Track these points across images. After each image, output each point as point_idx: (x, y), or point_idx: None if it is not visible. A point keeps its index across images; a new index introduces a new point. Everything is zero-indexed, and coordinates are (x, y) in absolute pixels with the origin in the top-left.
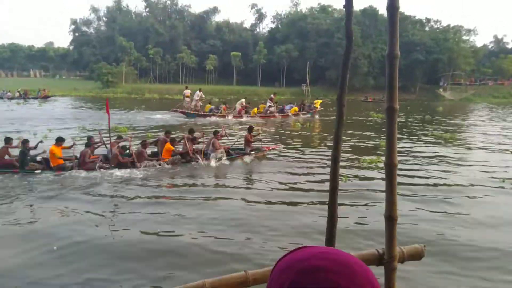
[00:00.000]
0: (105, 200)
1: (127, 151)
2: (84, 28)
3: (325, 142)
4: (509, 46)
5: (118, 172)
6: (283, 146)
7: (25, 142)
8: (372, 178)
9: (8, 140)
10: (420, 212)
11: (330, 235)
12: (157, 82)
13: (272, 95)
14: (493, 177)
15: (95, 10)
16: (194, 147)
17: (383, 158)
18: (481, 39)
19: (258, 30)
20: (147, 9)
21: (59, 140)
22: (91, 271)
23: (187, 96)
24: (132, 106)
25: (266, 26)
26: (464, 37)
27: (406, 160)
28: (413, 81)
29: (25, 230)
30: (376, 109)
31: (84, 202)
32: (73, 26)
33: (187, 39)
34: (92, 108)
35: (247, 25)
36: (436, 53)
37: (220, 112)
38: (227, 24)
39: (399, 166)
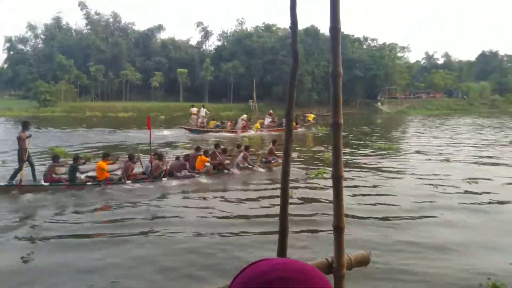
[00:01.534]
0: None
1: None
2: (20, 46)
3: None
4: (439, 62)
5: (165, 182)
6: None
7: (76, 158)
8: (319, 190)
9: (55, 158)
10: (366, 220)
11: (282, 246)
12: (99, 100)
13: (270, 111)
14: (430, 184)
15: (32, 27)
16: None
17: (329, 169)
18: (414, 56)
19: (204, 47)
20: (88, 27)
21: (106, 156)
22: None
23: (194, 114)
24: (70, 125)
25: (212, 43)
26: (399, 54)
27: (350, 171)
28: (354, 96)
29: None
30: (320, 123)
31: (146, 207)
32: (7, 44)
33: (131, 56)
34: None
35: (193, 42)
36: (374, 69)
37: (225, 128)
38: (172, 41)
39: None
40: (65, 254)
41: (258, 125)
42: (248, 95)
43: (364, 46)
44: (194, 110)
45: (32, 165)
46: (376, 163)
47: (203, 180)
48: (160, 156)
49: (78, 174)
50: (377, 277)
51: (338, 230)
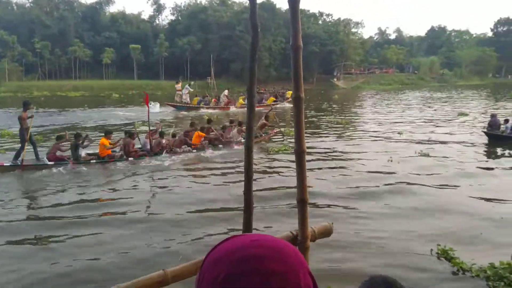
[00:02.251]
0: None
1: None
2: None
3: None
4: (391, 37)
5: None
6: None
7: (76, 136)
8: (282, 165)
9: (59, 138)
10: (329, 191)
11: (247, 222)
12: (46, 79)
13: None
14: (385, 157)
15: None
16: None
17: (291, 145)
18: (368, 31)
19: (157, 22)
20: (30, 0)
21: (108, 133)
22: None
23: (179, 90)
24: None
25: (166, 18)
26: (353, 30)
27: (313, 147)
28: (310, 72)
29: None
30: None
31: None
32: None
33: (79, 31)
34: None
35: (145, 16)
36: (329, 45)
37: (208, 104)
38: (123, 15)
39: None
40: (68, 230)
41: (241, 101)
42: (205, 72)
43: (320, 22)
44: (178, 86)
45: (34, 145)
46: (335, 138)
47: (203, 154)
48: (161, 134)
49: (80, 151)
50: (337, 246)
51: (302, 203)
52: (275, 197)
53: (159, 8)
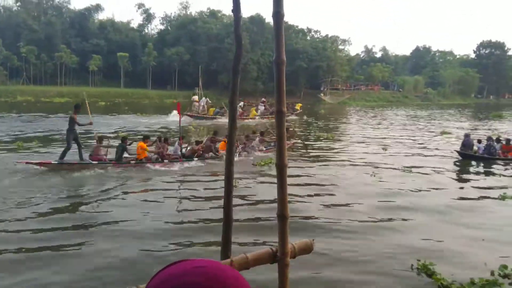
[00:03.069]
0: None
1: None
2: None
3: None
4: (377, 56)
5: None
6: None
7: (124, 139)
8: (266, 179)
9: (100, 139)
10: (311, 207)
11: (226, 236)
12: (31, 84)
13: (263, 99)
14: (368, 172)
15: None
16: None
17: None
18: (354, 49)
19: (146, 31)
20: (18, 3)
21: (146, 138)
22: None
23: (196, 101)
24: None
25: (155, 27)
26: (340, 47)
27: (296, 160)
28: (298, 87)
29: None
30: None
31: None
32: None
33: (66, 37)
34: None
35: (134, 25)
36: (317, 60)
37: (224, 115)
38: (111, 22)
39: (291, 166)
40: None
41: (254, 112)
42: (193, 83)
43: (308, 38)
44: (195, 97)
45: (79, 146)
46: (320, 152)
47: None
48: (198, 142)
49: (125, 154)
50: (318, 263)
51: (282, 218)
52: (258, 210)
53: (148, 17)
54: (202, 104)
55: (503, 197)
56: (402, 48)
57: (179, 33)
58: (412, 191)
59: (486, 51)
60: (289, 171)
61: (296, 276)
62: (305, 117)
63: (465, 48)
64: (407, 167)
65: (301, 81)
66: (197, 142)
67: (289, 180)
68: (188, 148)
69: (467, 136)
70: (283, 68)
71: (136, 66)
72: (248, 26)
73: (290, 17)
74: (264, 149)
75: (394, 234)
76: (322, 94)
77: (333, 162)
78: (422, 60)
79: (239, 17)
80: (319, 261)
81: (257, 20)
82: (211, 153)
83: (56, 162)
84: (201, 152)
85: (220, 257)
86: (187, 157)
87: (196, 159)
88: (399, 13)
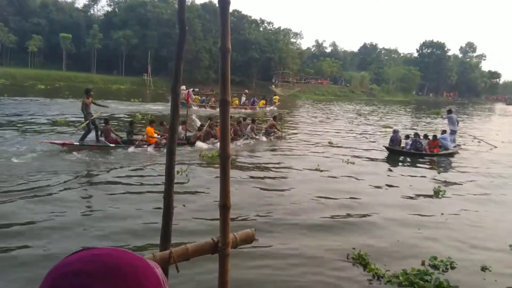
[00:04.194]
0: None
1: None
2: None
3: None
4: (327, 51)
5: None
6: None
7: (131, 123)
8: (210, 170)
9: (106, 121)
10: (254, 199)
11: (166, 227)
12: None
13: (246, 90)
14: (313, 166)
15: None
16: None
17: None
18: (306, 43)
19: (92, 12)
20: None
21: (152, 122)
22: None
23: (184, 91)
24: None
25: (101, 8)
26: (292, 40)
27: (243, 151)
28: (250, 77)
29: None
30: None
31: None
32: None
33: (3, 15)
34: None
35: (79, 5)
36: (269, 52)
37: (209, 103)
38: (54, 1)
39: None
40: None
41: (236, 102)
42: (142, 68)
43: (261, 29)
44: (183, 87)
45: (96, 128)
46: (269, 145)
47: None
48: (199, 128)
49: (132, 136)
50: (258, 255)
51: (224, 209)
52: (200, 201)
53: None
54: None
55: (437, 192)
56: (350, 44)
57: (128, 16)
58: (355, 181)
59: (428, 51)
60: (234, 163)
61: (234, 266)
62: (275, 108)
63: (409, 47)
64: (350, 159)
65: (253, 72)
66: (199, 128)
67: (236, 173)
68: (192, 134)
69: (395, 132)
70: (228, 56)
71: (80, 48)
72: (201, 13)
73: (244, 7)
74: (256, 136)
75: (333, 226)
76: (273, 86)
77: (278, 154)
78: (369, 57)
79: (183, 0)
80: (258, 253)
81: (210, 7)
82: (212, 139)
83: (77, 143)
84: (202, 137)
85: (159, 249)
86: (192, 143)
87: (200, 143)
88: (349, 9)
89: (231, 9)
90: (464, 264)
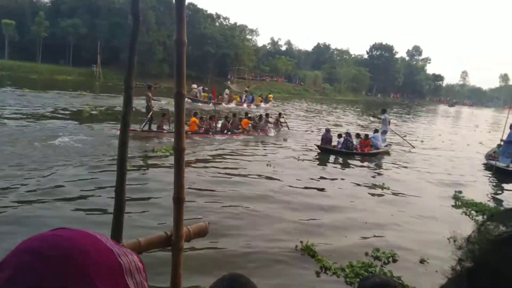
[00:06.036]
0: None
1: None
2: None
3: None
4: (282, 49)
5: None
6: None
7: (164, 115)
8: (165, 163)
9: (164, 114)
10: (207, 192)
11: (117, 220)
12: None
13: (246, 88)
14: (263, 161)
15: None
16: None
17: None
18: (261, 40)
19: None
20: None
21: (196, 114)
22: None
23: (195, 89)
24: None
25: None
26: (248, 36)
27: (197, 145)
28: (205, 73)
29: None
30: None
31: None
32: None
33: None
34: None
35: None
36: (225, 47)
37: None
38: None
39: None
40: None
41: (238, 99)
42: (91, 59)
43: (217, 24)
44: (195, 85)
45: (151, 119)
46: (222, 140)
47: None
48: (226, 119)
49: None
50: (210, 247)
51: (178, 202)
52: (155, 196)
53: None
54: (200, 91)
55: (380, 187)
56: (305, 43)
57: (76, 3)
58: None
59: (377, 53)
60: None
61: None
62: (270, 105)
63: (360, 48)
64: (301, 156)
65: (209, 67)
66: (226, 119)
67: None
68: (220, 124)
69: (327, 131)
70: (184, 49)
71: (24, 36)
72: (155, 4)
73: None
74: (274, 131)
75: (282, 217)
76: (229, 82)
77: (232, 150)
78: (322, 56)
79: None
80: (211, 245)
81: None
82: (226, 131)
83: (140, 130)
84: (230, 127)
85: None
86: (215, 132)
87: (229, 133)
88: (305, 8)
89: (186, 1)
90: (405, 256)
